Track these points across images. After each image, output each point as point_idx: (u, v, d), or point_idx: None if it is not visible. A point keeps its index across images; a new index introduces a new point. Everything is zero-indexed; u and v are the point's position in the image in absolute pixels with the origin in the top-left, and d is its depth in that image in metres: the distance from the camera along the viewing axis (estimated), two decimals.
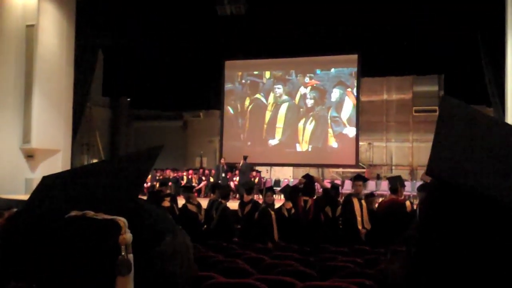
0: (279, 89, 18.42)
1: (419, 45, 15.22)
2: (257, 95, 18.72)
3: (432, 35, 14.65)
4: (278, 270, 4.51)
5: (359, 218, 8.04)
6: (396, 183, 8.18)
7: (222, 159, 16.75)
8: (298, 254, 5.96)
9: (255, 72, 18.88)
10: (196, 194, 10.84)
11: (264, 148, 18.16)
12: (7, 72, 14.12)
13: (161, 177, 16.23)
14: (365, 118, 18.57)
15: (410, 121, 19.38)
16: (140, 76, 18.56)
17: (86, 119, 19.09)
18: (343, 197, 9.68)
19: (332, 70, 17.83)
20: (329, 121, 17.66)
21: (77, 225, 0.72)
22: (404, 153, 19.65)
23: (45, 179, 0.86)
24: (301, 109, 18.06)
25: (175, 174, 17.45)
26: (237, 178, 15.96)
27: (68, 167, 14.68)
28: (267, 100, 18.57)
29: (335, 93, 17.69)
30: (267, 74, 18.69)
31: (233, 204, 9.78)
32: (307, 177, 9.03)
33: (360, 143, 18.05)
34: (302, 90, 18.11)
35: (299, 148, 17.96)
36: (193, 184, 16.28)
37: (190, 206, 8.77)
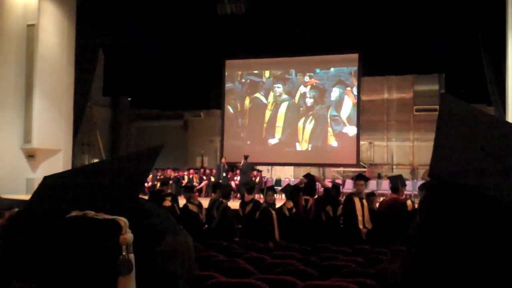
0: (278, 88, 18.42)
1: (419, 44, 15.20)
2: (257, 94, 18.72)
3: (432, 34, 14.64)
4: (279, 270, 4.51)
5: (360, 218, 8.03)
6: (397, 183, 8.17)
7: (223, 158, 16.75)
8: (299, 253, 5.96)
9: (255, 71, 18.88)
10: (197, 193, 10.83)
11: (264, 147, 18.16)
12: (7, 71, 14.13)
13: (162, 176, 16.24)
14: (366, 117, 18.56)
15: (411, 120, 19.37)
16: (140, 75, 18.56)
17: (87, 119, 19.09)
18: (344, 197, 9.68)
19: (332, 69, 17.82)
20: (328, 120, 17.66)
21: (78, 225, 0.72)
22: (405, 152, 19.65)
23: (46, 179, 0.86)
24: (301, 108, 18.06)
25: (176, 174, 17.45)
26: (238, 178, 15.96)
27: (69, 166, 14.69)
28: (267, 99, 18.56)
29: (335, 92, 17.68)
30: (267, 73, 18.69)
31: (234, 204, 9.79)
32: (308, 176, 9.03)
33: (361, 142, 18.05)
34: (302, 89, 18.11)
35: (299, 147, 17.95)
36: (194, 183, 16.28)
37: (191, 206, 8.77)
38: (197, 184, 16.53)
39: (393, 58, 15.98)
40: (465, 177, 0.63)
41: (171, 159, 19.11)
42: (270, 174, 19.01)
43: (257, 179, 16.23)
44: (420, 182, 13.73)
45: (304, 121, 17.93)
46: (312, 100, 17.97)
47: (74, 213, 0.73)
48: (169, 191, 10.46)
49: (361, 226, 8.00)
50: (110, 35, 16.92)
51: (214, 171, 17.15)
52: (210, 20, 16.13)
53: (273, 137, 18.30)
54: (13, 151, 13.98)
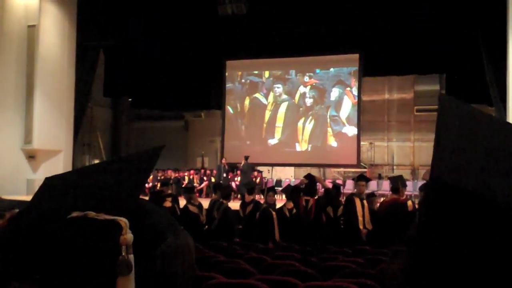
0: (278, 88, 18.43)
1: (420, 44, 15.20)
2: (257, 95, 18.73)
3: (433, 34, 14.64)
4: (279, 270, 4.51)
5: (360, 218, 8.03)
6: (397, 183, 8.16)
7: (224, 159, 16.76)
8: (299, 254, 5.96)
9: (255, 72, 18.89)
10: (197, 194, 10.84)
11: (264, 147, 18.17)
12: (8, 72, 14.14)
13: (162, 177, 16.24)
14: (366, 118, 18.55)
15: (411, 120, 19.37)
16: (141, 76, 18.57)
17: (88, 119, 19.11)
18: (344, 197, 9.68)
19: (332, 69, 17.83)
20: (328, 120, 17.67)
21: (78, 226, 0.72)
22: (406, 153, 19.64)
23: (47, 180, 0.86)
24: (301, 108, 18.07)
25: (177, 174, 17.45)
26: (239, 178, 15.96)
27: (69, 167, 14.70)
28: (267, 100, 18.57)
29: (335, 92, 17.70)
30: (267, 73, 18.70)
31: (234, 204, 9.79)
32: (309, 177, 9.03)
33: (362, 143, 18.05)
34: (301, 89, 18.12)
35: (298, 147, 17.96)
36: (195, 184, 16.28)
37: (191, 207, 8.77)
38: (197, 185, 16.53)
39: (394, 59, 15.98)
40: (466, 178, 0.63)
41: (172, 159, 19.12)
42: (271, 174, 19.01)
43: (258, 180, 16.22)
44: (420, 183, 13.73)
45: (303, 121, 17.94)
46: (311, 100, 17.98)
47: (75, 214, 0.73)
48: (169, 191, 10.46)
49: (361, 227, 8.00)
50: (110, 36, 16.94)
51: (214, 171, 17.14)
52: (210, 21, 16.13)
53: (273, 137, 18.30)
54: (13, 151, 13.99)
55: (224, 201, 8.91)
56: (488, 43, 13.68)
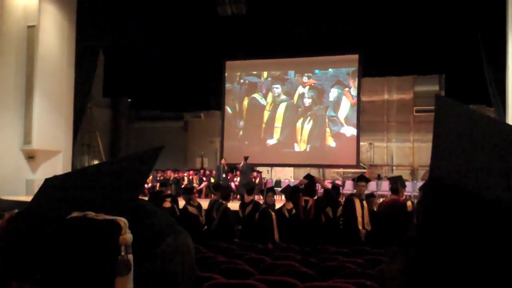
0: (277, 88, 18.44)
1: (419, 44, 15.21)
2: (256, 95, 18.74)
3: (432, 34, 14.65)
4: (279, 271, 4.51)
5: (359, 219, 8.03)
6: (396, 184, 8.16)
7: (223, 159, 16.76)
8: (298, 254, 5.96)
9: (254, 72, 18.90)
10: (196, 195, 10.83)
11: (263, 148, 18.16)
12: (8, 72, 14.14)
13: (162, 177, 16.24)
14: (366, 118, 18.56)
15: (411, 121, 19.38)
16: (140, 76, 18.57)
17: (87, 120, 19.10)
18: (343, 198, 9.68)
19: (330, 69, 17.85)
20: (326, 120, 17.68)
21: (78, 226, 0.72)
22: (405, 153, 19.65)
23: (47, 181, 0.86)
24: (299, 109, 18.08)
25: (176, 175, 17.44)
26: (238, 179, 15.96)
27: (69, 168, 14.70)
28: (265, 100, 18.57)
29: (333, 93, 17.71)
30: (265, 74, 18.70)
31: (234, 205, 9.78)
32: (308, 177, 9.03)
33: (361, 143, 18.05)
34: (300, 89, 18.13)
35: (297, 147, 17.96)
36: (194, 184, 16.28)
37: (190, 208, 8.76)
38: (197, 185, 16.52)
39: (393, 59, 15.99)
40: (466, 178, 0.63)
41: (171, 160, 19.11)
42: (270, 175, 19.02)
43: (257, 180, 16.23)
44: (420, 183, 13.74)
45: (302, 121, 17.95)
46: (310, 100, 17.99)
47: (74, 214, 0.73)
48: (169, 192, 10.46)
49: (360, 227, 8.00)
50: (110, 36, 16.93)
51: (214, 172, 17.15)
52: (210, 21, 16.13)
53: (272, 137, 18.30)
54: (13, 152, 13.98)
55: (224, 202, 8.90)
56: (488, 44, 13.69)
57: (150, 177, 15.13)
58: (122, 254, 0.69)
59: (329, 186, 9.60)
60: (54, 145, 14.54)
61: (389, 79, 19.18)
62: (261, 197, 13.29)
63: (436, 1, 13.64)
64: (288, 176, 19.03)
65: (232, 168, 16.70)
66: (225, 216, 8.57)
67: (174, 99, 19.07)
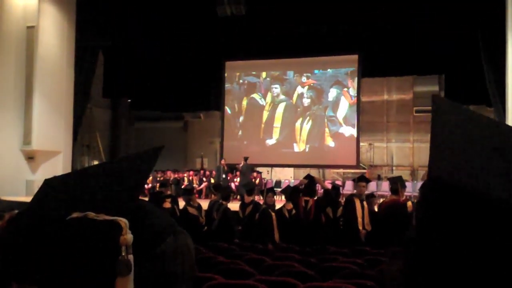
0: (276, 88, 18.45)
1: (419, 45, 15.21)
2: (255, 95, 18.75)
3: (432, 35, 14.65)
4: (279, 271, 4.51)
5: (359, 219, 8.03)
6: (396, 184, 8.16)
7: (223, 160, 16.76)
8: (299, 255, 5.96)
9: (253, 72, 18.91)
10: (196, 195, 10.83)
11: (262, 148, 18.17)
12: (7, 73, 14.13)
13: (162, 178, 16.23)
14: (365, 119, 18.56)
15: (410, 121, 19.38)
16: (140, 77, 18.57)
17: (87, 120, 19.10)
18: (343, 198, 9.68)
19: (329, 70, 17.86)
20: (325, 120, 17.69)
21: (78, 226, 0.72)
22: (405, 154, 19.65)
23: (47, 181, 0.86)
24: (298, 109, 18.09)
25: (176, 175, 17.44)
26: (238, 179, 15.96)
27: (68, 168, 14.69)
28: (265, 100, 18.58)
29: (332, 93, 17.73)
30: (264, 74, 18.71)
31: (234, 205, 9.78)
32: (308, 177, 9.03)
33: (361, 144, 18.05)
34: (299, 89, 18.15)
35: (296, 147, 17.96)
36: (194, 185, 16.28)
37: (190, 209, 8.76)
38: (197, 186, 16.53)
39: (393, 59, 16.00)
40: (467, 177, 0.63)
41: (171, 160, 19.11)
42: (270, 175, 19.02)
43: (257, 181, 16.23)
44: (420, 183, 13.72)
45: (301, 121, 17.95)
46: (309, 100, 18.00)
47: (75, 215, 0.73)
48: (169, 192, 10.46)
49: (360, 227, 8.01)
50: (110, 37, 16.94)
51: (214, 172, 17.15)
52: (209, 22, 16.14)
53: (271, 137, 18.31)
54: (12, 152, 13.97)
55: (224, 202, 8.91)
56: (487, 44, 13.70)
57: (150, 178, 15.13)
58: (123, 254, 0.69)
59: (329, 186, 9.60)
60: (54, 145, 14.54)
61: (389, 79, 19.19)
62: (261, 198, 13.28)
63: (436, 1, 13.64)
64: (288, 176, 19.04)
65: (232, 168, 16.70)
66: (225, 217, 8.58)
67: (174, 100, 19.07)
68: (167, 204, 8.69)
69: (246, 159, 15.51)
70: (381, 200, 11.64)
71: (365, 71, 17.15)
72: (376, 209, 8.81)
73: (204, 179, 17.24)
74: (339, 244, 7.26)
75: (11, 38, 14.19)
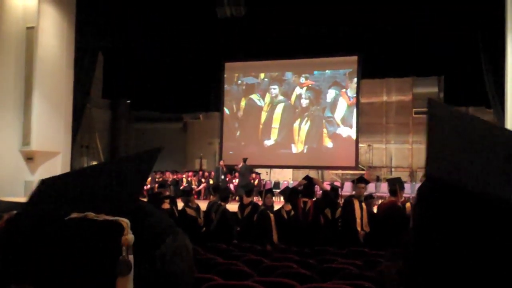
0: (274, 89, 18.45)
1: (418, 46, 15.22)
2: (253, 96, 18.74)
3: (431, 36, 14.65)
4: (277, 272, 4.51)
5: (358, 220, 8.03)
6: (395, 186, 8.17)
7: (221, 161, 16.75)
8: (297, 256, 5.96)
9: (251, 73, 18.91)
10: (195, 196, 10.82)
11: (260, 148, 18.16)
12: (7, 74, 14.12)
13: (160, 179, 16.22)
14: (364, 120, 18.56)
15: (409, 122, 19.38)
16: (140, 78, 18.56)
17: (86, 121, 19.08)
18: (342, 199, 9.68)
19: (327, 71, 17.86)
20: (323, 121, 17.69)
21: (78, 227, 0.72)
22: (404, 155, 19.65)
23: (43, 181, 0.86)
24: (297, 110, 18.09)
25: (175, 176, 17.44)
26: (237, 180, 15.95)
27: (67, 169, 14.67)
28: (263, 101, 18.58)
29: (331, 94, 17.73)
30: (262, 75, 18.71)
31: (232, 206, 9.78)
32: (307, 178, 9.03)
33: (360, 145, 18.05)
34: (297, 90, 18.14)
35: (294, 148, 17.95)
36: (193, 186, 16.28)
37: (189, 210, 8.76)
38: (195, 187, 16.52)
39: (392, 61, 16.00)
40: (466, 178, 0.63)
41: (170, 161, 19.10)
42: (269, 176, 19.01)
43: (256, 182, 16.23)
44: (419, 185, 13.70)
45: (299, 122, 17.95)
46: (307, 101, 18.00)
47: (74, 215, 0.73)
48: (167, 193, 10.45)
49: (359, 229, 8.00)
50: (109, 38, 16.93)
51: (212, 173, 17.14)
52: (209, 23, 16.14)
53: (269, 138, 18.30)
54: (12, 153, 13.95)
55: (222, 203, 8.90)
56: (487, 45, 13.70)
57: (149, 179, 15.12)
58: (123, 254, 0.69)
59: (328, 187, 9.60)
60: (53, 146, 14.52)
61: (388, 80, 19.20)
62: (260, 199, 13.28)
63: (436, 3, 13.64)
64: (287, 177, 19.03)
65: (231, 169, 16.70)
66: (223, 218, 8.57)
67: (173, 100, 19.06)
68: (166, 205, 8.69)
69: (245, 160, 15.51)
70: (380, 201, 11.64)
71: (365, 72, 17.14)
72: (375, 210, 8.81)
73: (203, 180, 17.24)
74: (337, 245, 7.26)
75: (10, 39, 14.18)
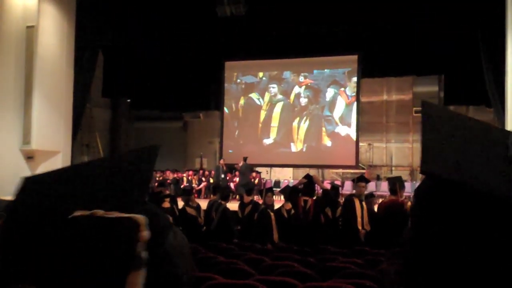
0: (273, 88, 18.44)
1: (419, 45, 15.21)
2: (252, 95, 18.74)
3: (432, 35, 14.64)
4: (278, 271, 4.51)
5: (359, 219, 8.04)
6: (395, 185, 8.17)
7: (222, 160, 16.75)
8: (298, 255, 5.96)
9: (251, 72, 18.90)
10: (196, 195, 10.82)
11: (259, 147, 18.15)
12: (7, 73, 14.11)
13: (161, 178, 16.23)
14: (365, 119, 18.56)
15: (410, 121, 19.39)
16: (140, 76, 18.55)
17: (86, 120, 19.09)
18: (343, 198, 9.68)
19: (326, 70, 17.86)
20: (322, 120, 17.68)
21: (86, 225, 0.71)
22: (404, 154, 19.66)
23: (27, 179, 0.85)
24: (296, 108, 18.08)
25: (175, 175, 17.44)
26: (237, 179, 15.95)
27: None
28: (262, 100, 18.57)
29: (330, 93, 17.72)
30: (261, 73, 18.70)
31: (233, 205, 9.78)
32: (308, 177, 9.03)
33: (360, 144, 18.05)
34: (296, 89, 18.14)
35: (293, 147, 17.94)
36: (193, 185, 16.28)
37: (189, 210, 8.76)
38: (196, 186, 16.53)
39: (392, 60, 15.98)
40: (460, 173, 0.63)
41: (170, 160, 19.11)
42: (269, 175, 19.02)
43: (256, 181, 16.23)
44: (419, 184, 13.72)
45: (298, 121, 17.94)
46: (306, 100, 17.99)
47: (79, 213, 0.72)
48: (168, 192, 10.45)
49: (359, 227, 8.01)
50: (109, 37, 16.91)
51: (213, 172, 17.15)
52: (209, 22, 16.13)
53: (268, 137, 18.29)
54: (12, 152, 13.94)
55: (223, 202, 8.90)
56: (487, 44, 13.69)
57: None
58: (138, 250, 0.69)
59: (328, 186, 9.60)
60: (53, 145, 14.52)
61: (388, 79, 19.19)
62: (260, 198, 13.29)
63: (436, 2, 13.63)
64: (287, 176, 19.04)
65: (231, 168, 16.70)
66: (224, 217, 8.57)
67: (174, 99, 19.05)
68: (166, 204, 8.69)
69: (245, 159, 15.51)
70: (380, 200, 11.65)
71: (365, 71, 17.12)
72: (375, 209, 8.81)
73: (203, 179, 17.25)
74: (338, 244, 7.26)
75: (10, 38, 14.17)
